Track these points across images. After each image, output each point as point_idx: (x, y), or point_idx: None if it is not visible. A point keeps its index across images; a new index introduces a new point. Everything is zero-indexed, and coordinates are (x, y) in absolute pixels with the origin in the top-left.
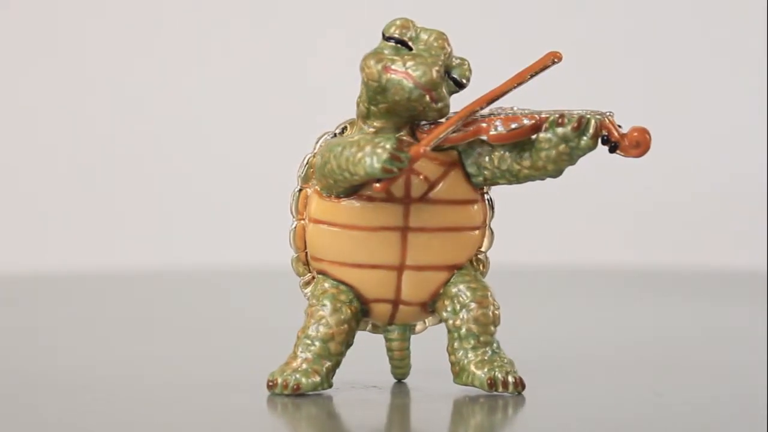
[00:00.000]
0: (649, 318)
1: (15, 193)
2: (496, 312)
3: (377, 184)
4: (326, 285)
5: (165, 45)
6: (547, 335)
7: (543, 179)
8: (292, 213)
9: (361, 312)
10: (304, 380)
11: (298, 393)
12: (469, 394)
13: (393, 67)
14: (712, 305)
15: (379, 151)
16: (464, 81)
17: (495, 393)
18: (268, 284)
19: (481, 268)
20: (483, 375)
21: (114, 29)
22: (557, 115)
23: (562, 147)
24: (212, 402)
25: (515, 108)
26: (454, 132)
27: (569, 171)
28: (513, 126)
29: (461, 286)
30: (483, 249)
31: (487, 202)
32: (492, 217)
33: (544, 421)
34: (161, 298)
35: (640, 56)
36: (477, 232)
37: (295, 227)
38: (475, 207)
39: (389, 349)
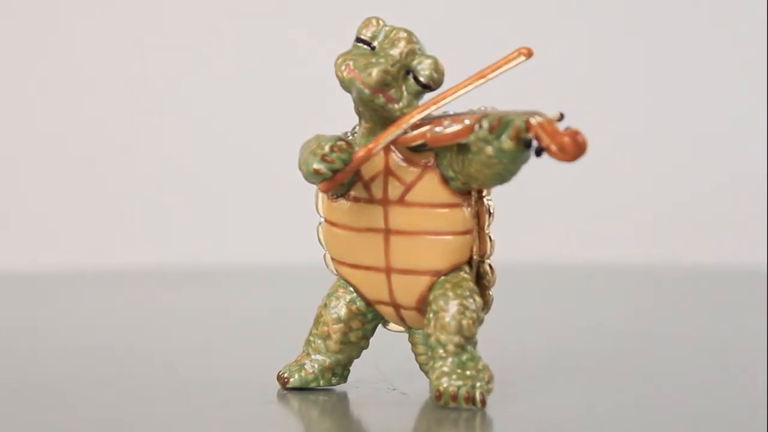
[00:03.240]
0: (648, 317)
1: (14, 192)
2: (468, 322)
3: (320, 184)
4: (337, 284)
5: (169, 40)
6: (546, 335)
7: (499, 184)
8: (317, 211)
9: (370, 312)
10: (296, 375)
11: (287, 387)
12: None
13: (351, 66)
14: (712, 305)
15: (318, 152)
16: (429, 81)
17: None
18: (273, 283)
19: (486, 277)
20: (433, 386)
21: (116, 26)
22: (480, 117)
23: (488, 150)
24: (218, 400)
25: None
26: (405, 133)
27: (569, 169)
28: (453, 127)
29: (438, 293)
30: (482, 255)
31: (486, 207)
32: (490, 222)
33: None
34: (162, 298)
35: (640, 55)
36: (464, 237)
37: (321, 224)
38: (460, 210)
39: (415, 353)
